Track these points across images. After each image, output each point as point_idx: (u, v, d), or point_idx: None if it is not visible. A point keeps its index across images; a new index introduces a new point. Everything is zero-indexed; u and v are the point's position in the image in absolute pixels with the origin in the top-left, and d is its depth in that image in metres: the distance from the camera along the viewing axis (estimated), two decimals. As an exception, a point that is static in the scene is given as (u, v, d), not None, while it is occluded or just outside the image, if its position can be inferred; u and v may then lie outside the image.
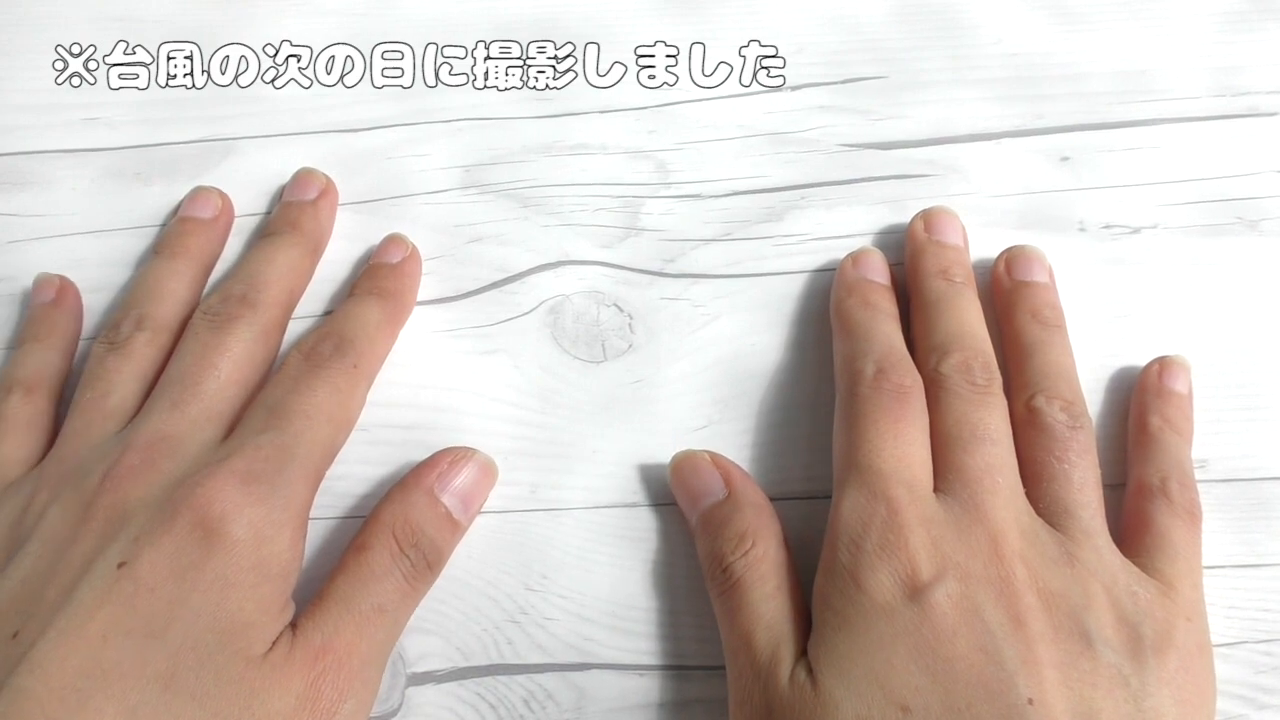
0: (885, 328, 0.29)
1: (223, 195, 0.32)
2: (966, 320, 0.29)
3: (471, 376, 0.30)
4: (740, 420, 0.30)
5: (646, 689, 0.27)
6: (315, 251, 0.31)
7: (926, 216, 0.31)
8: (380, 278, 0.30)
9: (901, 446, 0.26)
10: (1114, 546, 0.26)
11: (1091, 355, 0.30)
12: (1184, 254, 0.32)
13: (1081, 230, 0.32)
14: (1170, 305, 0.31)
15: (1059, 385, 0.28)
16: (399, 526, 0.26)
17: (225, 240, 0.32)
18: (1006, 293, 0.30)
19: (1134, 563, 0.25)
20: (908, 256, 0.31)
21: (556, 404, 0.30)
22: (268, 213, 0.33)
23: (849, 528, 0.25)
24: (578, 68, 0.35)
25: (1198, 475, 0.28)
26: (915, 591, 0.23)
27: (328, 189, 0.32)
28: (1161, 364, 0.29)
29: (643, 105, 0.34)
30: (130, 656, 0.22)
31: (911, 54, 0.35)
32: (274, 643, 0.23)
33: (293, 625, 0.24)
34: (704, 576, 0.27)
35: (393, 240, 0.31)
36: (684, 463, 0.28)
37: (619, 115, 0.34)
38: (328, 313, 0.31)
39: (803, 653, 0.24)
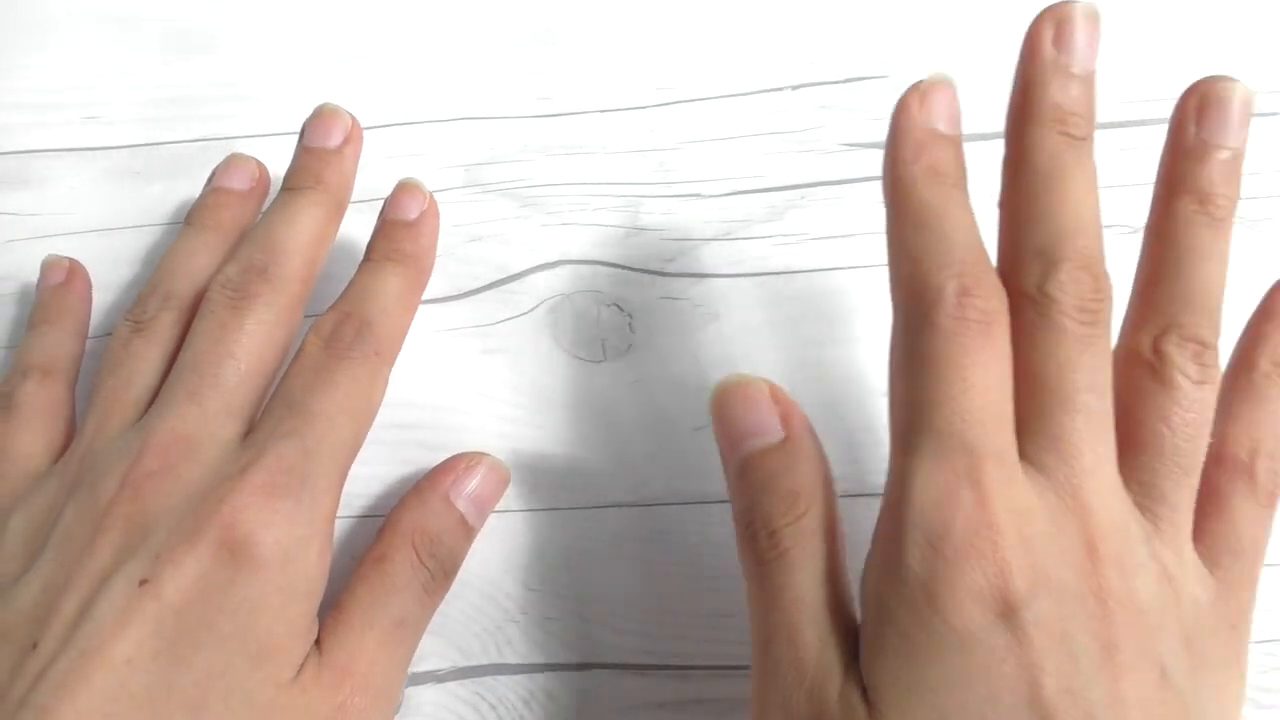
0: (964, 217, 0.22)
1: (259, 164, 0.31)
2: (1084, 208, 0.21)
3: (471, 376, 0.30)
4: (740, 420, 0.30)
5: (646, 689, 0.27)
6: (339, 209, 0.29)
7: (1060, 18, 0.22)
8: (398, 240, 0.28)
9: (990, 403, 0.20)
10: (1191, 540, 0.22)
11: None
12: (1184, 254, 0.32)
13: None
14: (1171, 305, 0.31)
15: (1200, 321, 0.22)
16: (418, 536, 0.25)
17: (259, 212, 0.31)
18: (1182, 153, 0.22)
19: (1195, 546, 0.22)
20: (1017, 83, 0.23)
21: (556, 404, 0.30)
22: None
23: (924, 519, 0.20)
24: (578, 67, 0.35)
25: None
26: (1001, 615, 0.19)
27: (353, 132, 0.29)
28: None
29: (643, 104, 0.34)
30: (158, 682, 0.21)
31: (912, 54, 0.35)
32: (301, 665, 0.23)
33: (317, 642, 0.24)
34: (737, 535, 0.22)
35: (406, 190, 0.29)
36: (734, 391, 0.23)
37: (619, 114, 0.34)
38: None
39: (851, 662, 0.21)
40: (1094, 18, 0.22)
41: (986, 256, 0.22)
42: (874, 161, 0.33)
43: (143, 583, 0.22)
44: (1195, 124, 0.22)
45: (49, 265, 0.31)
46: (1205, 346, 0.21)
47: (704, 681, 0.27)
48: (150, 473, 0.24)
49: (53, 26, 0.36)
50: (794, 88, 0.35)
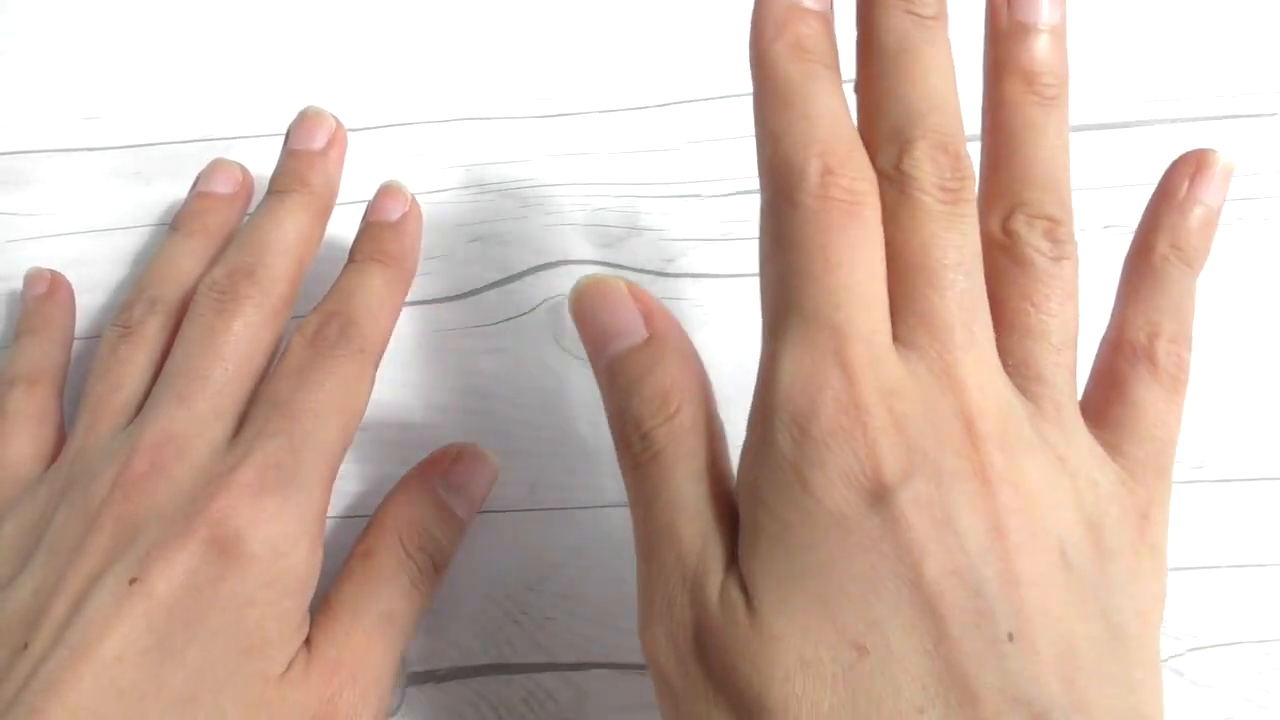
0: (829, 96, 0.21)
1: (243, 169, 0.32)
2: (937, 86, 0.21)
3: (471, 376, 0.30)
4: (740, 421, 0.30)
5: (646, 689, 0.27)
6: (325, 211, 0.29)
7: None
8: (382, 240, 0.29)
9: (857, 284, 0.20)
10: (1081, 420, 0.21)
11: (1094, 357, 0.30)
12: (1184, 254, 0.32)
13: (1081, 230, 0.32)
14: (1170, 305, 0.31)
15: (1045, 198, 0.21)
16: (404, 529, 0.26)
17: (244, 216, 0.31)
18: (1000, 37, 0.22)
19: (1095, 434, 0.21)
20: None
21: (556, 404, 0.30)
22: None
23: (790, 400, 0.19)
24: (578, 68, 0.35)
25: (1195, 476, 0.28)
26: (875, 496, 0.18)
27: (337, 135, 0.30)
28: (1198, 163, 0.23)
29: (643, 105, 0.34)
30: (148, 678, 0.21)
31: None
32: (291, 660, 0.23)
33: (306, 639, 0.24)
34: (614, 442, 0.22)
35: (388, 192, 0.29)
36: (592, 290, 0.22)
37: (619, 114, 0.34)
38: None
39: (733, 558, 0.20)
40: None
41: (854, 136, 0.21)
42: (874, 162, 0.33)
43: (133, 581, 0.22)
44: (1007, 7, 0.22)
45: (32, 277, 0.31)
46: (1055, 222, 0.21)
47: (704, 681, 0.27)
48: (140, 474, 0.24)
49: (52, 26, 0.36)
50: (794, 88, 0.35)
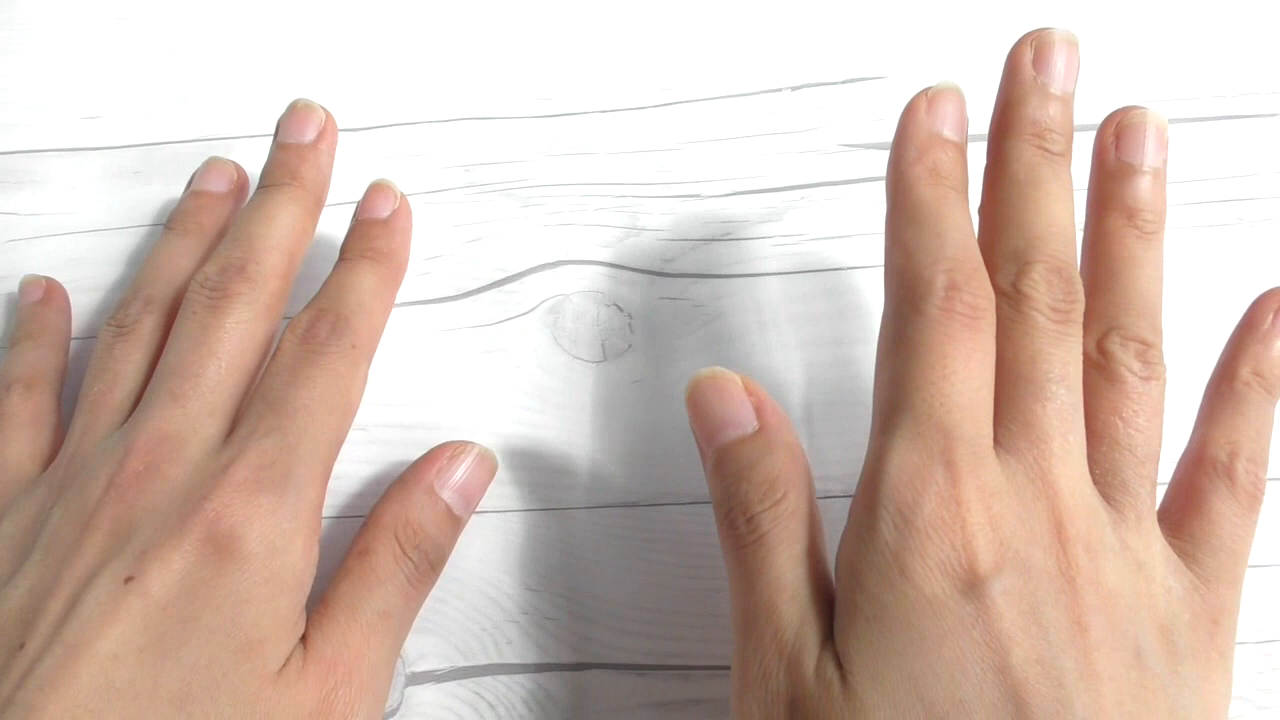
0: (959, 218, 0.23)
1: (238, 167, 0.32)
2: (1058, 215, 0.23)
3: (471, 376, 0.30)
4: (740, 420, 0.30)
5: (646, 689, 0.27)
6: (317, 205, 0.29)
7: (1039, 42, 0.24)
8: (372, 237, 0.29)
9: (969, 390, 0.22)
10: (1158, 529, 0.23)
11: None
12: (1185, 254, 0.32)
13: (1082, 230, 0.32)
14: (1171, 306, 0.31)
15: (1139, 322, 0.23)
16: (401, 528, 0.26)
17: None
18: (1106, 174, 0.24)
19: (1171, 542, 0.23)
20: (999, 99, 0.25)
21: (556, 404, 0.30)
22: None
23: (896, 493, 0.21)
24: (578, 68, 0.35)
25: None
26: (969, 585, 0.20)
27: (327, 127, 0.30)
28: None
29: (643, 105, 0.34)
30: (143, 676, 0.21)
31: (911, 54, 0.35)
32: (287, 658, 0.23)
33: (303, 636, 0.24)
34: (717, 522, 0.23)
35: (378, 190, 0.30)
36: (709, 383, 0.24)
37: (619, 114, 0.34)
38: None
39: (828, 636, 0.21)
40: (1072, 43, 0.24)
41: (978, 256, 0.23)
42: (873, 162, 0.33)
43: (128, 580, 0.22)
44: (1115, 149, 0.24)
45: (27, 284, 0.31)
46: (1147, 345, 0.23)
47: (704, 681, 0.27)
48: (136, 474, 0.24)
49: (52, 26, 0.36)
50: (794, 88, 0.35)
